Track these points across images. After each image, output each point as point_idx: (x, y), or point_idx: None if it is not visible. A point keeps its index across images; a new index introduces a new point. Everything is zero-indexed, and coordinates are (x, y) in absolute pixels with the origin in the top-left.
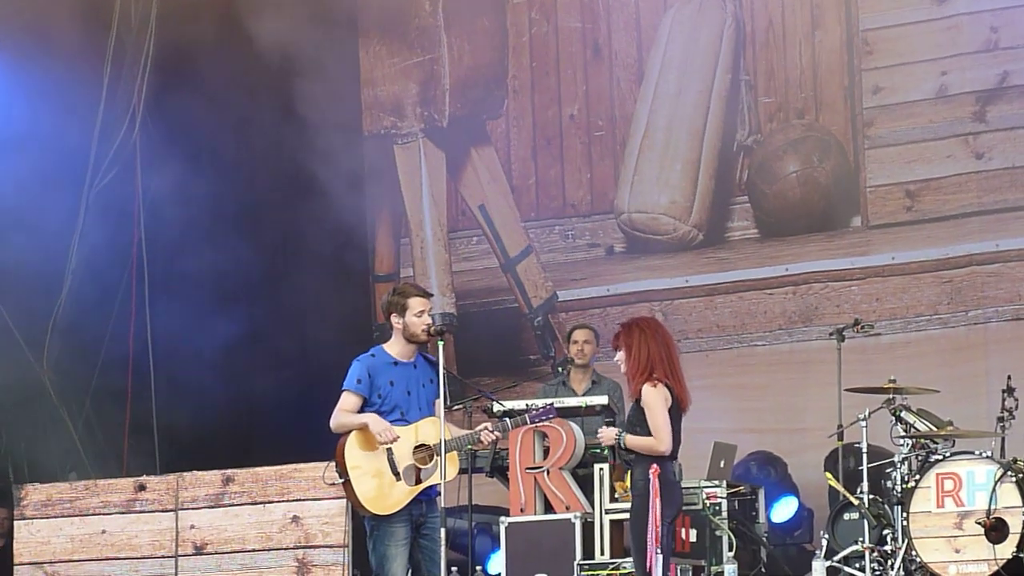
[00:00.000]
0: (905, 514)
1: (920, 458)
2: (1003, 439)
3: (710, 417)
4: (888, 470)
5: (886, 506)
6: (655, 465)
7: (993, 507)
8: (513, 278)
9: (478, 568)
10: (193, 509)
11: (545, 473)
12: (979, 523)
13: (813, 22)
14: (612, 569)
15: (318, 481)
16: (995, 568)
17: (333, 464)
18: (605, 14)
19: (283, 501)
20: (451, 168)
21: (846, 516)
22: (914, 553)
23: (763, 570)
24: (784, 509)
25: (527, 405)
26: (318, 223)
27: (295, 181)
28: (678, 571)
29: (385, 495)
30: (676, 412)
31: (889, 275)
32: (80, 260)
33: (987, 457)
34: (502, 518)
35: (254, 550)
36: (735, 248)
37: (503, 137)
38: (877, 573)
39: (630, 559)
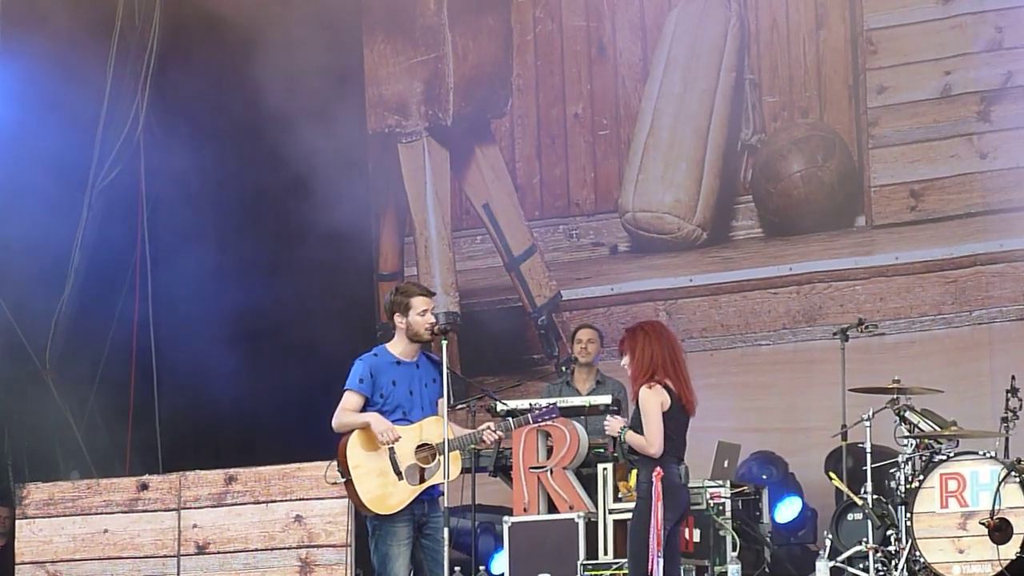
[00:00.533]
0: (909, 514)
1: (924, 458)
2: (1007, 439)
3: (714, 416)
4: (892, 470)
5: (890, 506)
6: (659, 468)
7: (997, 507)
8: (517, 277)
9: (481, 568)
10: (196, 508)
11: (548, 473)
12: (983, 523)
13: (817, 21)
14: (616, 569)
15: (321, 480)
16: (999, 568)
17: (335, 463)
18: (610, 13)
19: (286, 500)
20: (455, 167)
21: (850, 516)
22: (918, 553)
23: (767, 570)
24: (788, 509)
25: (530, 404)
26: (322, 221)
27: (299, 179)
28: (682, 572)
29: (387, 495)
30: (681, 415)
31: (893, 275)
32: (83, 259)
33: (991, 457)
34: (505, 518)
35: (257, 549)
36: (739, 247)
37: (507, 136)
38: (881, 573)
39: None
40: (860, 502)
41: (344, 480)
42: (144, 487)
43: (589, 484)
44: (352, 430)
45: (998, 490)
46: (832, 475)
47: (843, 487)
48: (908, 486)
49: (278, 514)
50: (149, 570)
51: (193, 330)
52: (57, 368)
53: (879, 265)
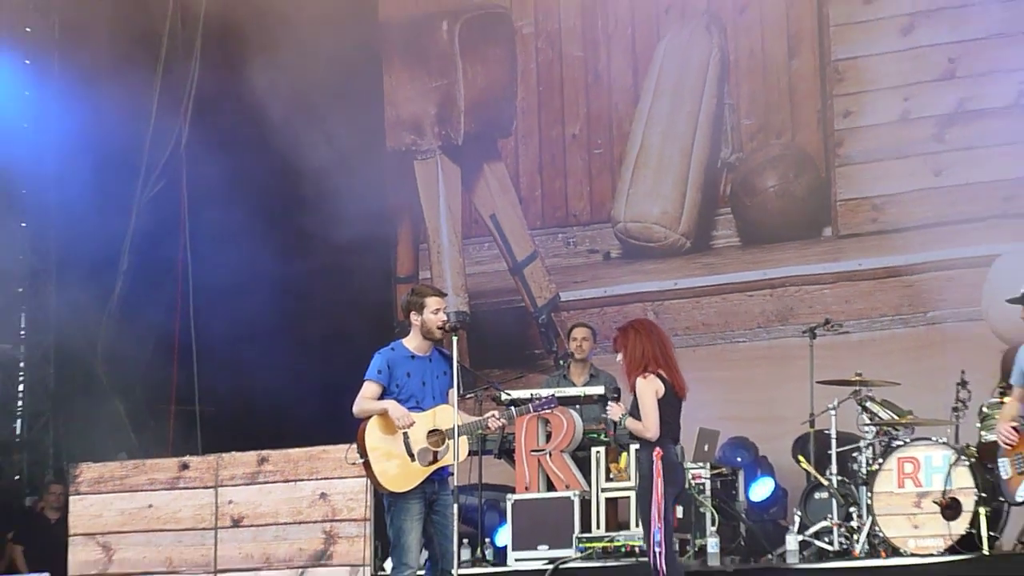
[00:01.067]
0: (870, 493)
1: (883, 443)
2: (957, 427)
3: (696, 407)
4: (854, 454)
5: (852, 486)
6: (658, 448)
7: (948, 488)
8: (520, 280)
9: (486, 540)
10: (231, 486)
11: (547, 455)
12: (936, 502)
13: (790, 52)
14: (607, 542)
15: (343, 462)
16: (950, 543)
17: (355, 446)
18: (604, 44)
19: (312, 479)
20: (465, 181)
21: (816, 495)
22: (877, 528)
23: (742, 544)
24: (761, 489)
25: (531, 395)
26: (345, 229)
27: (325, 192)
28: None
29: (401, 474)
30: (675, 400)
31: (857, 280)
32: (131, 261)
33: (943, 443)
34: (509, 495)
35: (286, 523)
36: (719, 254)
37: (512, 153)
38: (844, 546)
39: (624, 532)
40: (826, 482)
41: (363, 461)
42: (185, 467)
43: (583, 466)
44: (370, 416)
45: (949, 472)
46: (801, 458)
47: (811, 469)
48: (869, 468)
49: (305, 492)
50: (189, 541)
51: (229, 326)
52: (107, 360)
53: (844, 271)
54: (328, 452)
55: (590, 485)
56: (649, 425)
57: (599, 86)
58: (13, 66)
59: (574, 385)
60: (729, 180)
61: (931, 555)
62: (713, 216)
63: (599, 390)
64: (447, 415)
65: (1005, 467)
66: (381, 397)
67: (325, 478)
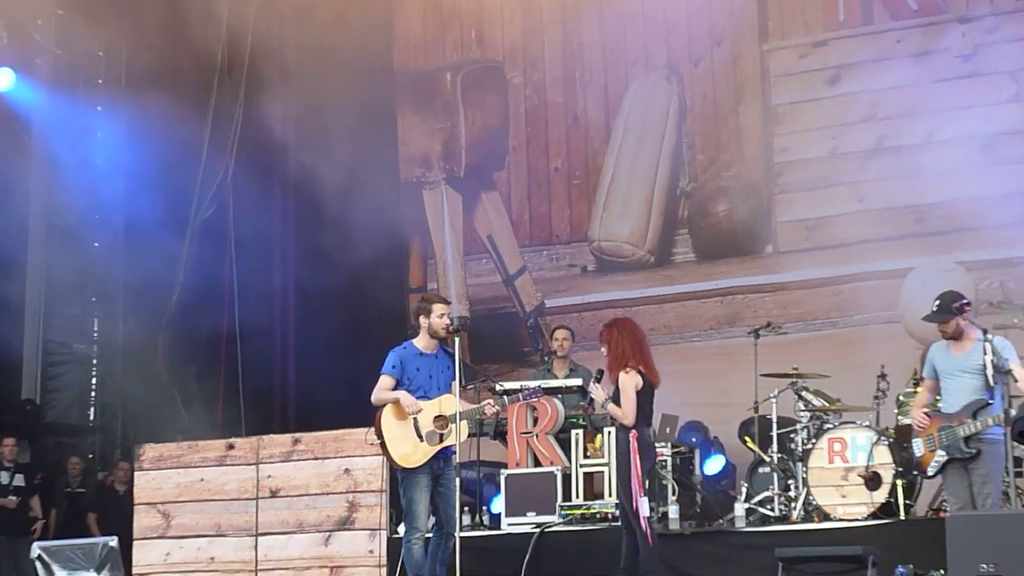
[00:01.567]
0: (804, 468)
1: (816, 426)
2: (878, 413)
3: (658, 396)
4: (792, 435)
5: (790, 462)
6: (634, 431)
7: (870, 464)
8: (512, 290)
9: (484, 508)
10: (270, 463)
11: (535, 437)
12: (860, 476)
13: (737, 98)
14: (584, 509)
15: (363, 442)
16: (872, 510)
17: (373, 429)
18: (581, 91)
19: (337, 457)
20: (466, 207)
21: (760, 470)
22: (811, 498)
23: (698, 510)
24: (713, 464)
25: (521, 386)
26: (367, 247)
27: (349, 215)
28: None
29: (411, 453)
30: (650, 390)
31: (794, 289)
32: (186, 275)
33: (866, 426)
34: (502, 470)
35: (315, 494)
36: (678, 268)
37: (505, 183)
38: (783, 512)
39: (599, 501)
40: (768, 459)
41: (379, 442)
42: (231, 447)
43: (565, 445)
44: (385, 404)
45: (871, 451)
46: (747, 439)
47: (755, 448)
48: (804, 447)
49: (331, 467)
50: (235, 509)
51: (268, 329)
52: (166, 357)
53: (783, 281)
54: (351, 434)
55: (570, 462)
56: (627, 413)
57: (577, 127)
58: (88, 113)
59: (556, 378)
60: (686, 206)
61: (856, 520)
62: (673, 236)
63: (578, 382)
64: (450, 403)
65: (919, 447)
66: (395, 388)
67: (348, 456)
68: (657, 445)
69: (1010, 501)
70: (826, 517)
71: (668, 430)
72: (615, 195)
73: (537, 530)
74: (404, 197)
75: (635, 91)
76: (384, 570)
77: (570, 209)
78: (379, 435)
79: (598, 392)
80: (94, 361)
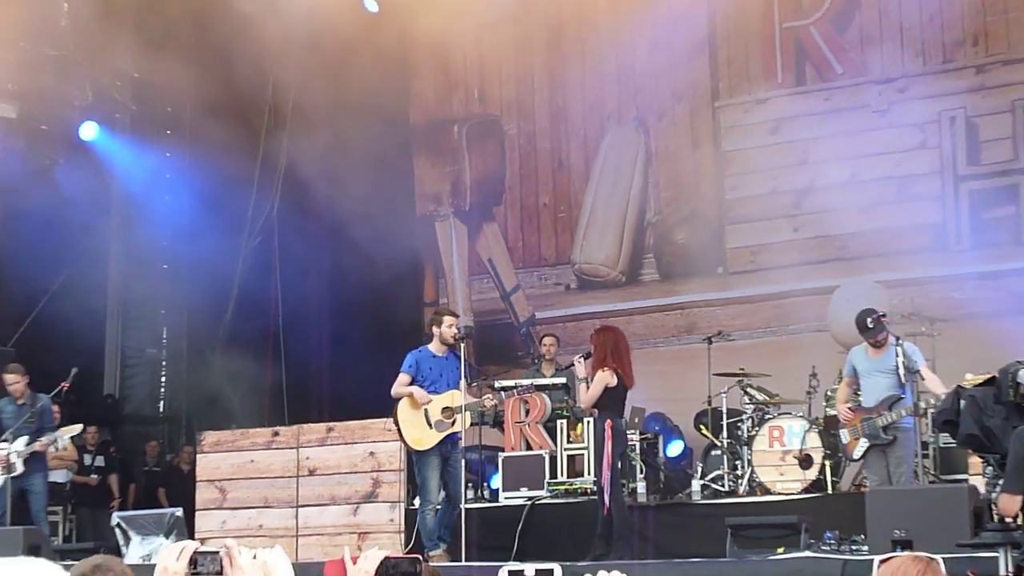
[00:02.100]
0: (749, 451)
1: (758, 417)
2: (809, 405)
3: (628, 393)
4: (739, 424)
5: (737, 446)
6: (609, 420)
7: (803, 447)
8: (508, 304)
9: (485, 484)
10: (308, 447)
11: (527, 425)
12: (795, 457)
13: (694, 145)
14: (568, 485)
15: (384, 430)
16: (805, 485)
17: (391, 419)
18: (565, 140)
19: (364, 442)
20: (470, 235)
21: (713, 453)
22: (755, 475)
23: (661, 486)
24: (674, 448)
25: (515, 383)
26: (389, 269)
27: (373, 242)
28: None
29: (423, 437)
30: (622, 387)
31: (741, 303)
32: (239, 292)
33: (800, 416)
34: (500, 453)
35: (346, 472)
36: (645, 286)
37: (502, 216)
38: (732, 488)
39: (580, 478)
40: (719, 444)
41: (396, 428)
42: (276, 434)
43: (552, 433)
44: (402, 397)
45: (804, 437)
46: (701, 427)
47: (708, 435)
48: (749, 434)
49: (359, 451)
50: (279, 485)
51: (307, 336)
52: (222, 360)
53: (732, 297)
54: (375, 423)
55: (556, 446)
56: (586, 401)
57: (561, 170)
58: (158, 158)
59: (545, 377)
60: (652, 234)
61: (792, 494)
62: (641, 259)
63: (563, 380)
64: (457, 397)
65: (845, 435)
66: (411, 384)
67: (373, 441)
68: (628, 432)
69: (919, 478)
70: (767, 491)
71: (636, 420)
72: (593, 226)
73: (529, 502)
74: (419, 227)
75: (609, 140)
76: (403, 536)
77: (556, 237)
78: (396, 422)
79: (580, 367)
80: (163, 363)
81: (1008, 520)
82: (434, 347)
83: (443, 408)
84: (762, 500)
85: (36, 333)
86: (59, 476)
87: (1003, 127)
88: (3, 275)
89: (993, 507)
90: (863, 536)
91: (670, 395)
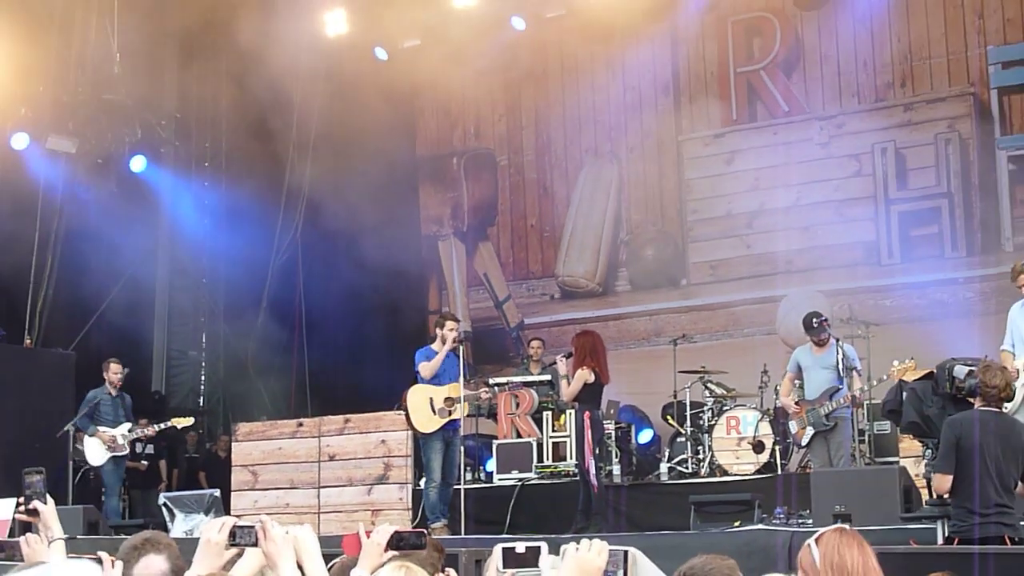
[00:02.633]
0: (710, 438)
1: (717, 408)
2: (761, 398)
3: (605, 388)
4: (700, 414)
5: (699, 434)
6: (588, 412)
7: (756, 434)
8: (501, 311)
9: (480, 467)
10: (328, 436)
11: (517, 416)
12: (749, 443)
13: (660, 174)
14: (553, 468)
15: (394, 421)
16: (758, 467)
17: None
18: (549, 170)
19: (377, 432)
20: (468, 253)
21: (678, 439)
22: (714, 458)
23: (633, 468)
24: (644, 436)
25: (507, 380)
26: (397, 280)
27: (385, 258)
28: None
29: (427, 421)
30: (600, 384)
31: (702, 311)
32: (268, 303)
33: (753, 408)
34: (494, 440)
35: (361, 458)
36: (619, 296)
37: (496, 236)
38: (694, 470)
39: (563, 462)
40: (683, 432)
41: (405, 412)
42: (300, 425)
43: (539, 423)
44: (411, 387)
45: (756, 425)
46: (668, 417)
47: (674, 424)
48: (709, 423)
49: (372, 439)
50: (303, 469)
51: (326, 339)
52: (254, 360)
53: (694, 305)
54: (386, 416)
55: (542, 434)
56: (567, 395)
57: (547, 195)
58: (198, 187)
59: (532, 375)
60: (624, 251)
61: (746, 475)
62: (615, 273)
63: (548, 378)
64: (457, 389)
65: (793, 426)
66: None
67: (384, 431)
68: (604, 422)
69: (856, 461)
70: (725, 473)
71: (612, 411)
72: (574, 244)
73: (519, 483)
74: (424, 246)
75: (587, 171)
76: (410, 512)
77: (542, 254)
78: (404, 407)
79: (562, 365)
80: (203, 364)
81: (944, 496)
82: (437, 346)
83: (445, 398)
84: (721, 480)
85: (93, 338)
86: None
87: (927, 157)
88: (65, 288)
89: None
90: (808, 511)
91: (641, 390)
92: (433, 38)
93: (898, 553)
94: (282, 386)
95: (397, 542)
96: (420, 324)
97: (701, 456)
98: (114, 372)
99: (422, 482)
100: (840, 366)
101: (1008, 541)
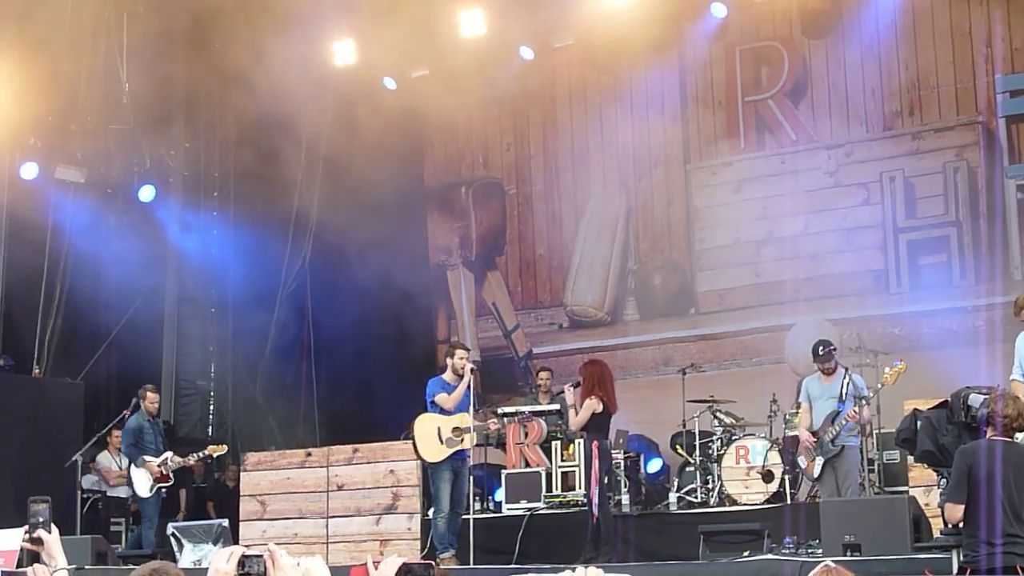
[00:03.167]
0: (719, 468)
1: (727, 437)
2: (770, 427)
3: (614, 417)
4: (709, 444)
5: (708, 463)
6: (596, 441)
7: (765, 464)
8: (509, 340)
9: (489, 497)
10: (337, 466)
11: (526, 446)
12: (758, 472)
13: (668, 203)
14: (561, 498)
15: (403, 451)
16: (767, 496)
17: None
18: (558, 199)
19: (385, 461)
20: (477, 282)
21: (687, 469)
22: (723, 488)
23: (642, 498)
24: (653, 465)
25: (516, 410)
26: (407, 311)
27: (394, 288)
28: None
29: (435, 451)
30: (607, 414)
31: (710, 339)
32: (277, 326)
33: (763, 437)
34: (503, 470)
35: (369, 488)
36: (627, 325)
37: (504, 265)
38: (704, 499)
39: (572, 492)
40: (692, 461)
41: (412, 441)
42: (309, 454)
43: (547, 452)
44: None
45: (766, 455)
46: (677, 447)
47: (683, 453)
48: (718, 452)
49: (381, 468)
50: (312, 499)
51: (336, 369)
52: (262, 390)
53: (702, 334)
54: (394, 445)
55: (551, 464)
56: (575, 424)
57: (555, 224)
58: (206, 216)
59: (541, 404)
60: (633, 280)
61: (756, 504)
62: (624, 301)
63: (556, 407)
64: (466, 419)
65: (802, 459)
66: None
67: (392, 460)
68: (613, 451)
69: (865, 491)
70: (734, 502)
71: (620, 441)
72: (582, 273)
73: (528, 513)
74: (433, 275)
75: (595, 199)
76: (419, 542)
77: (550, 283)
78: (412, 437)
79: (570, 394)
80: (211, 393)
81: (958, 525)
82: (448, 376)
83: (453, 428)
84: (730, 510)
85: (102, 368)
86: (121, 492)
87: (936, 186)
88: (74, 318)
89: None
90: (818, 540)
91: (649, 419)
92: (441, 68)
93: None
94: (291, 415)
95: (405, 574)
96: (429, 353)
97: (710, 485)
98: (151, 401)
99: (430, 512)
100: (843, 393)
101: (1020, 571)
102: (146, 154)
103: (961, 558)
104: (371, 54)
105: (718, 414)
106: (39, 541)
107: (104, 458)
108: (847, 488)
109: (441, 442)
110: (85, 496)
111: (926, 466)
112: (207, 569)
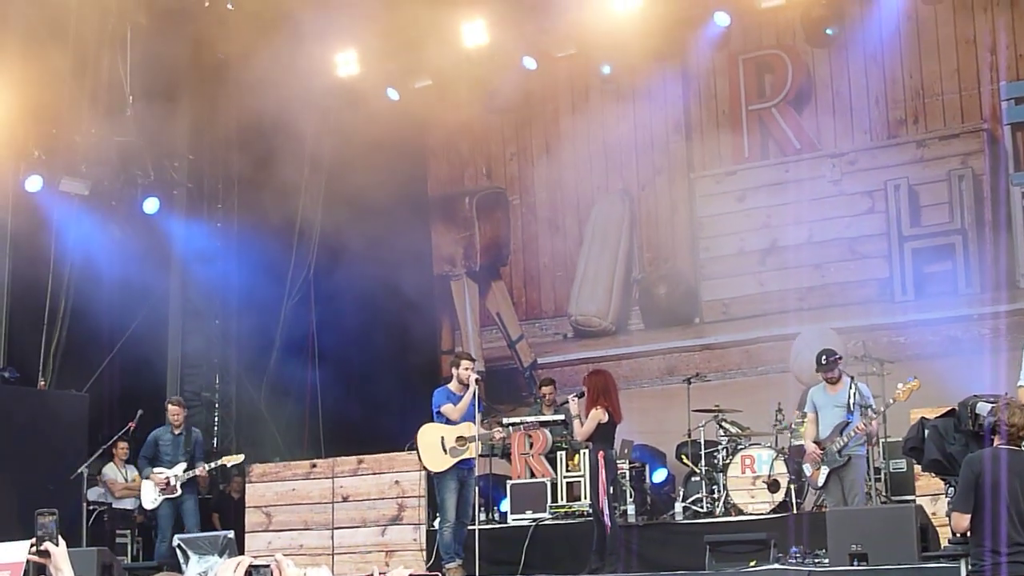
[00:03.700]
0: (724, 477)
1: (732, 447)
2: (776, 437)
3: (619, 427)
4: (715, 453)
5: (714, 473)
6: (602, 451)
7: (771, 473)
8: (514, 351)
9: (495, 507)
10: (342, 477)
11: (531, 456)
12: (764, 482)
13: (672, 212)
14: (567, 508)
15: (408, 461)
16: (773, 506)
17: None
18: (561, 209)
19: (390, 472)
20: (481, 292)
21: (693, 479)
22: (729, 498)
23: (648, 508)
24: (659, 475)
25: (520, 420)
26: (412, 322)
27: (398, 298)
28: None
29: (438, 460)
30: (613, 424)
31: (715, 348)
32: (281, 338)
33: (768, 446)
34: (508, 481)
35: (375, 499)
36: (632, 335)
37: (508, 275)
38: (709, 509)
39: (577, 502)
40: (698, 471)
41: (416, 451)
42: (314, 465)
43: (552, 463)
44: (423, 426)
45: (771, 464)
46: (682, 456)
47: (689, 463)
48: (723, 462)
49: (386, 479)
50: (317, 510)
51: (340, 379)
52: (267, 401)
53: (707, 343)
54: (399, 456)
55: (556, 474)
56: (581, 435)
57: (558, 235)
58: (210, 227)
59: (545, 415)
60: (637, 289)
61: (762, 514)
62: (628, 311)
63: (561, 417)
64: (471, 428)
65: (807, 468)
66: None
67: (398, 471)
68: (618, 462)
69: (872, 500)
70: (740, 512)
71: (625, 451)
72: (586, 283)
73: (533, 523)
74: (437, 286)
75: (599, 208)
76: (424, 553)
77: (554, 293)
78: (416, 446)
79: (574, 405)
80: (216, 405)
81: (964, 535)
82: (453, 386)
83: (457, 437)
84: (736, 519)
85: (107, 380)
86: (128, 504)
87: (940, 194)
88: (79, 330)
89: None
90: (824, 550)
91: (655, 429)
92: (444, 78)
93: None
94: (295, 427)
95: None
96: (433, 364)
97: (716, 495)
98: (171, 413)
99: (436, 522)
100: (851, 403)
101: None
102: (150, 166)
103: (969, 567)
104: (374, 65)
105: (723, 423)
106: (46, 554)
107: (110, 470)
108: (853, 497)
109: (444, 451)
110: (91, 508)
111: (933, 475)
112: None
